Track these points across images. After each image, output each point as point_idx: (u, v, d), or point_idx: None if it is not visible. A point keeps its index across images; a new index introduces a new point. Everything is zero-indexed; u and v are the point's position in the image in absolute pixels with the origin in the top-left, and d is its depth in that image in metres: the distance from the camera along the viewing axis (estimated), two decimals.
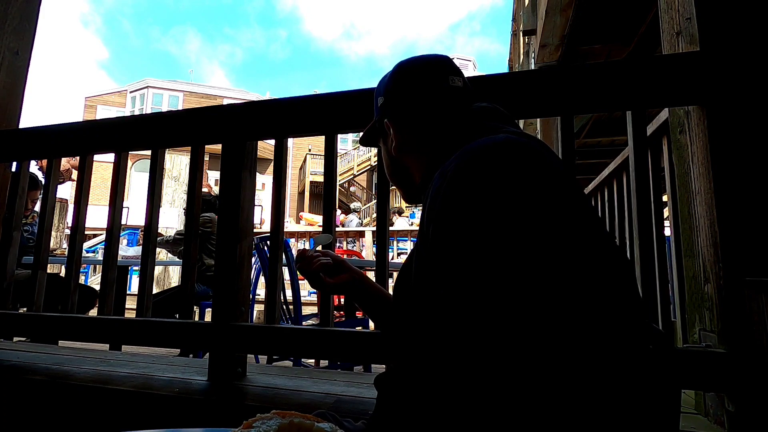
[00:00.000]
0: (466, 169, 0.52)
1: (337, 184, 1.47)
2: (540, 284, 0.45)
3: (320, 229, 1.50)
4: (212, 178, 10.26)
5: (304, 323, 2.60)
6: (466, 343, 0.47)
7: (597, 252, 0.49)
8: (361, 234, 7.07)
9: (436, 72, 0.74)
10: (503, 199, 0.48)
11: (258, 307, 4.00)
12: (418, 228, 0.64)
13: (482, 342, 0.46)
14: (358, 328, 2.63)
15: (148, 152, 1.61)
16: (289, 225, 10.61)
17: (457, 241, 0.49)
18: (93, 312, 2.24)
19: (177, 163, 6.93)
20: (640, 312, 0.51)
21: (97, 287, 1.78)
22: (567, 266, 0.46)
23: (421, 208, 0.64)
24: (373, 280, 1.00)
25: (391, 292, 0.81)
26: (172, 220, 6.61)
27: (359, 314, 3.20)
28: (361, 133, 0.90)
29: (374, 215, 1.74)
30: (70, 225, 1.72)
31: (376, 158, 10.79)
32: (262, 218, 12.70)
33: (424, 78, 0.74)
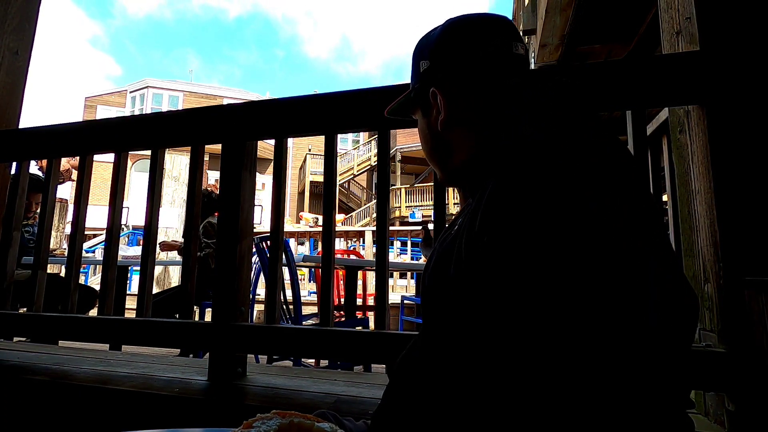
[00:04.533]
0: (513, 189, 0.49)
1: (337, 184, 1.47)
2: (566, 298, 0.45)
3: (320, 229, 1.50)
4: (212, 178, 10.26)
5: (304, 323, 2.60)
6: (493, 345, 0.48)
7: (628, 264, 0.47)
8: (361, 234, 7.07)
9: (500, 35, 0.63)
10: (543, 223, 0.46)
11: (258, 307, 4.00)
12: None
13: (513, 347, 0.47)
14: (358, 328, 2.64)
15: (148, 152, 1.61)
16: (288, 224, 10.61)
17: (503, 256, 0.48)
18: (93, 312, 2.24)
19: (177, 163, 6.93)
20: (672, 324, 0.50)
21: (97, 287, 1.78)
22: (594, 284, 0.45)
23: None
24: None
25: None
26: (172, 220, 6.61)
27: (359, 314, 3.21)
28: (390, 106, 0.77)
29: (374, 215, 1.75)
30: (70, 225, 1.72)
31: (376, 158, 10.79)
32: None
33: (485, 40, 0.63)
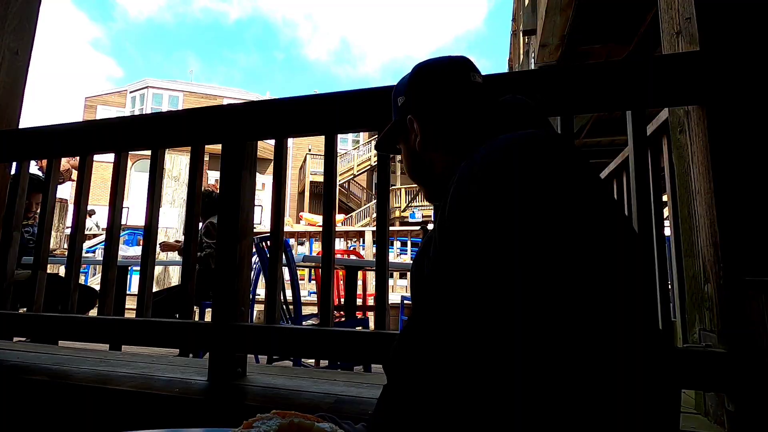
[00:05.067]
0: (486, 167, 0.53)
1: (337, 184, 1.47)
2: (544, 285, 0.45)
3: (320, 228, 1.50)
4: (212, 178, 10.26)
5: (304, 323, 2.60)
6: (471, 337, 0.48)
7: (608, 254, 0.49)
8: (361, 234, 7.07)
9: (458, 68, 0.77)
10: (518, 199, 0.49)
11: (258, 307, 4.00)
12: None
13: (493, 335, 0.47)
14: (358, 328, 2.64)
15: (148, 152, 1.61)
16: (287, 224, 10.60)
17: (472, 232, 0.50)
18: (93, 312, 2.24)
19: (177, 163, 6.92)
20: (647, 316, 0.51)
21: (97, 287, 1.78)
22: (574, 270, 0.47)
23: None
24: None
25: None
26: (172, 220, 6.61)
27: (359, 314, 3.20)
28: (377, 138, 0.90)
29: (374, 215, 1.75)
30: (71, 224, 1.72)
31: (376, 158, 10.81)
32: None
33: (446, 74, 0.77)
